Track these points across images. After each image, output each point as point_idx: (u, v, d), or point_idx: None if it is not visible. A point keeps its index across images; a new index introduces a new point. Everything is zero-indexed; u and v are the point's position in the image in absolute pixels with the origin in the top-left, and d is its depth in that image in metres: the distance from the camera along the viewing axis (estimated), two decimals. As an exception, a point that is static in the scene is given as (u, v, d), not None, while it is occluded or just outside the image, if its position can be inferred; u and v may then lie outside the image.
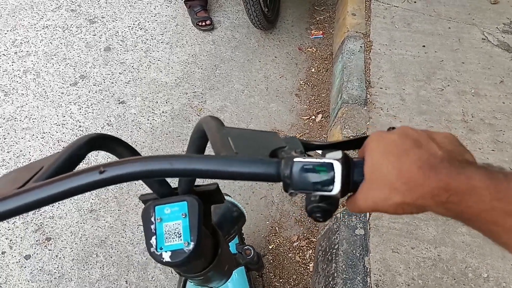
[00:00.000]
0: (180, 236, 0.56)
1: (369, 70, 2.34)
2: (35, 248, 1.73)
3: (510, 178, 0.38)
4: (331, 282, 1.58)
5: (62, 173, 0.45)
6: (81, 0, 2.95)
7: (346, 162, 0.44)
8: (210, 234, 0.66)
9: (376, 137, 0.45)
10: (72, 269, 1.69)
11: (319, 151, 0.50)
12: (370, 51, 2.45)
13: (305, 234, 1.89)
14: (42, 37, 2.66)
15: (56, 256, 1.72)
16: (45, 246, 1.74)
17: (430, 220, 1.75)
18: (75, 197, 1.91)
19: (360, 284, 1.53)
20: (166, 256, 0.56)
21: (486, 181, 0.38)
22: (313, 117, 2.37)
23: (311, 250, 1.83)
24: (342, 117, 2.11)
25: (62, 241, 1.76)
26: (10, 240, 1.76)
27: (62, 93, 2.35)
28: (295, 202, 1.99)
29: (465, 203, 0.39)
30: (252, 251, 1.23)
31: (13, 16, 2.79)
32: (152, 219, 0.57)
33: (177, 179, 0.60)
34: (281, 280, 1.74)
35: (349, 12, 2.70)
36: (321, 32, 2.93)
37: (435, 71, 2.33)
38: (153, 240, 0.56)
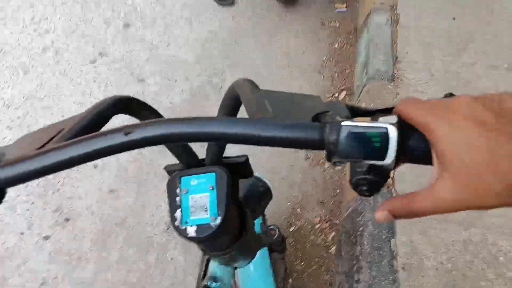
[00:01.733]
0: (207, 210, 0.52)
1: (397, 44, 2.23)
2: (54, 228, 1.74)
3: None
4: (356, 266, 1.54)
5: (84, 135, 0.41)
6: (99, -25, 2.89)
7: (402, 127, 0.37)
8: (237, 209, 0.62)
9: (443, 119, 0.36)
10: (91, 250, 1.69)
11: (369, 118, 0.44)
12: (398, 24, 2.33)
13: (327, 216, 1.84)
14: (60, 14, 2.62)
15: (75, 237, 1.72)
16: (64, 226, 1.74)
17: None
18: (95, 177, 1.90)
19: (387, 267, 1.48)
20: (191, 231, 0.52)
21: None
22: (337, 94, 2.29)
23: (333, 233, 1.78)
24: (368, 93, 2.02)
25: (81, 221, 1.76)
26: (29, 221, 1.77)
27: (81, 70, 2.32)
28: (318, 182, 1.94)
29: None
30: (277, 231, 1.19)
31: (32, -7, 2.75)
32: (178, 191, 0.53)
33: (205, 148, 0.56)
34: (302, 264, 1.70)
35: (375, -17, 2.57)
36: (345, 5, 2.81)
37: (466, 44, 2.20)
38: (178, 213, 0.53)
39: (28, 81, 2.26)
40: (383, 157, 0.37)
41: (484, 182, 0.32)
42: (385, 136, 0.37)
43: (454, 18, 2.36)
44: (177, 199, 0.53)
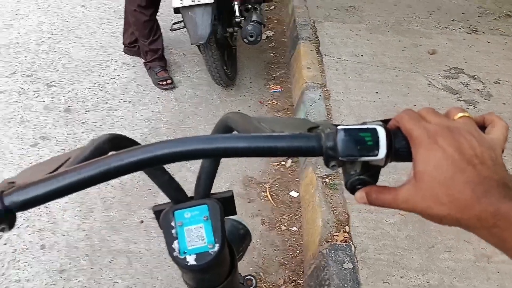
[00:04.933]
0: (204, 238, 0.55)
1: (331, 115, 2.46)
2: (-2, 317, 1.55)
3: None
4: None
5: None
6: (37, 66, 2.92)
7: (387, 128, 0.44)
8: (227, 243, 0.64)
9: (427, 136, 0.42)
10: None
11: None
12: (329, 99, 2.59)
13: (290, 277, 1.83)
14: (-4, 101, 2.56)
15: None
16: (11, 314, 1.56)
17: (413, 249, 1.77)
18: (43, 257, 1.76)
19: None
20: (191, 260, 0.54)
21: None
22: (283, 162, 2.40)
23: (300, 291, 1.77)
24: (312, 158, 2.15)
25: (30, 307, 1.59)
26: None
27: (22, 154, 2.23)
28: (277, 245, 1.95)
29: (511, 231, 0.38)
30: (254, 282, 1.18)
31: (-36, 82, 2.69)
32: (172, 223, 0.56)
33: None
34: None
35: (304, 66, 2.87)
36: (279, 86, 3.07)
37: (391, 113, 2.48)
38: (175, 245, 0.55)
39: (-39, 166, 2.12)
40: (376, 153, 0.43)
41: (437, 197, 0.40)
42: (375, 133, 0.43)
43: (377, 92, 2.67)
44: (173, 231, 0.55)
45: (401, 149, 0.44)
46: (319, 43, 3.12)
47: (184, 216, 0.56)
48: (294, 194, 2.21)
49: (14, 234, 1.85)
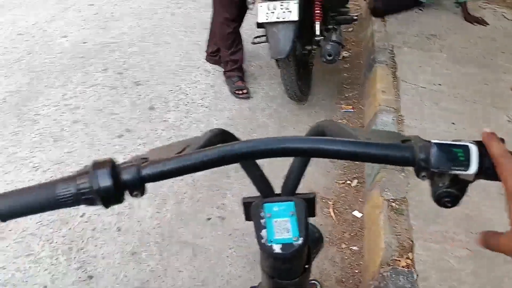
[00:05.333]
0: (289, 231, 0.60)
1: (403, 140, 2.44)
2: (76, 285, 1.70)
3: None
4: None
5: None
6: (127, 65, 3.17)
7: (479, 147, 0.47)
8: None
9: None
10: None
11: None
12: (402, 124, 2.58)
13: (347, 295, 1.85)
14: (90, 93, 2.82)
15: (97, 296, 1.68)
16: (87, 284, 1.71)
17: (478, 285, 1.72)
18: (118, 238, 1.91)
19: None
20: (277, 248, 0.60)
21: None
22: (349, 181, 2.43)
23: (357, 308, 1.77)
24: (380, 181, 2.16)
25: (103, 281, 1.73)
26: (53, 275, 1.74)
27: (109, 143, 2.44)
28: (336, 261, 1.97)
29: None
30: (318, 286, 1.22)
31: (64, 73, 2.98)
32: (262, 214, 0.62)
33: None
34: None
35: (379, 89, 2.88)
36: (351, 107, 3.10)
37: (466, 145, 2.43)
38: (263, 233, 0.60)
39: (58, 148, 2.35)
40: (467, 168, 0.47)
41: None
42: (467, 150, 0.47)
43: (453, 123, 2.63)
44: (262, 221, 0.61)
45: (490, 169, 0.47)
46: (396, 67, 3.12)
47: (273, 209, 0.62)
48: (357, 214, 2.22)
49: (95, 214, 2.02)
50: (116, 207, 2.06)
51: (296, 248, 0.60)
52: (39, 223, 1.96)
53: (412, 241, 1.86)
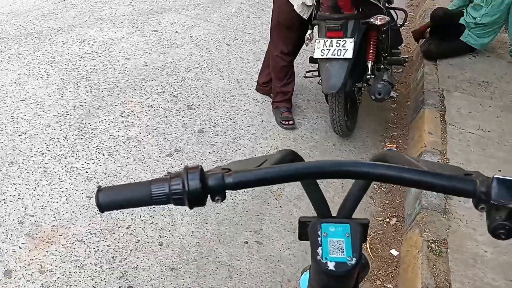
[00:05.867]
0: (343, 251, 0.64)
1: (446, 184, 2.42)
2: (118, 293, 1.80)
3: None
4: None
5: None
6: (182, 89, 3.36)
7: None
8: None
9: None
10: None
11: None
12: (447, 167, 2.56)
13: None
14: (146, 113, 3.00)
15: (136, 305, 1.77)
16: (128, 293, 1.80)
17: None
18: (159, 252, 2.01)
19: None
20: (331, 265, 0.63)
21: None
22: (387, 219, 2.42)
23: None
24: (421, 221, 2.15)
25: (143, 291, 1.82)
26: (95, 282, 1.84)
27: (158, 161, 2.58)
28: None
29: None
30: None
31: (124, 93, 3.20)
32: (319, 232, 0.67)
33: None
34: None
35: (425, 131, 2.89)
36: (394, 145, 3.11)
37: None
38: (319, 250, 0.65)
39: (111, 162, 2.52)
40: None
41: None
42: None
43: (499, 170, 2.58)
44: (319, 239, 0.65)
45: None
46: (445, 111, 3.12)
47: (329, 229, 0.66)
48: (394, 252, 2.21)
49: (140, 227, 2.14)
50: (159, 223, 2.17)
51: (349, 268, 0.63)
52: (88, 231, 2.09)
53: (449, 283, 1.84)
